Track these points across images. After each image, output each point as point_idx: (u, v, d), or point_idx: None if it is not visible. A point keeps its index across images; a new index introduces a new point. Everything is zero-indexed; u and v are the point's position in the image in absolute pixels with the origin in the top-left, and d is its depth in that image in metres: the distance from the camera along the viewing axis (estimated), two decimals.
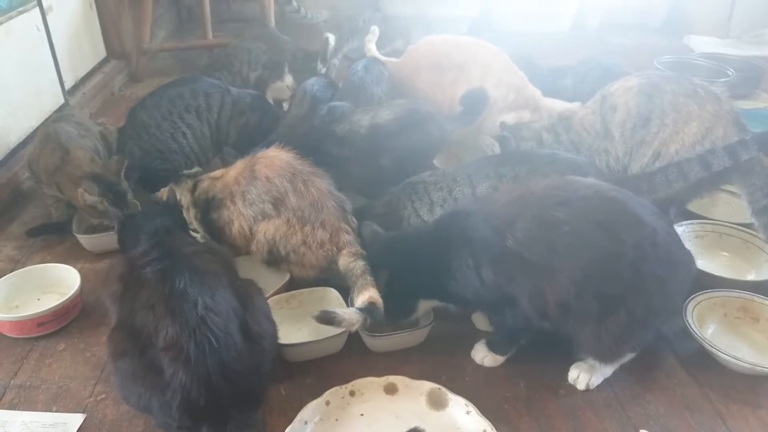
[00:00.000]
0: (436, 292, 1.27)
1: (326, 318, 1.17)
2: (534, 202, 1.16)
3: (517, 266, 1.15)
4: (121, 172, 1.68)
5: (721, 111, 1.48)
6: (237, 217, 1.44)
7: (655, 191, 1.39)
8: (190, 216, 1.54)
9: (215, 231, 1.51)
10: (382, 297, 1.23)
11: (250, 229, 1.43)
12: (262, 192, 1.40)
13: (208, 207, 1.50)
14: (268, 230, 1.40)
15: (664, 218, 1.20)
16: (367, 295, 1.23)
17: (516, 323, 1.22)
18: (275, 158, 1.44)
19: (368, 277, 1.27)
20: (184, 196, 1.54)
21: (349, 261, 1.33)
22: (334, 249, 1.37)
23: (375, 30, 2.33)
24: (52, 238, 1.74)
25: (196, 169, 1.67)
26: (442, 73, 2.00)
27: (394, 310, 1.29)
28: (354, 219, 1.44)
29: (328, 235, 1.37)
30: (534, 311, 1.17)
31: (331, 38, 2.42)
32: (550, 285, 1.13)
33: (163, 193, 1.61)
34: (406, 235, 1.39)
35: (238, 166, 1.48)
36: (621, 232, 1.11)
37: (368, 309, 1.20)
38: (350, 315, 1.19)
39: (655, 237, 1.13)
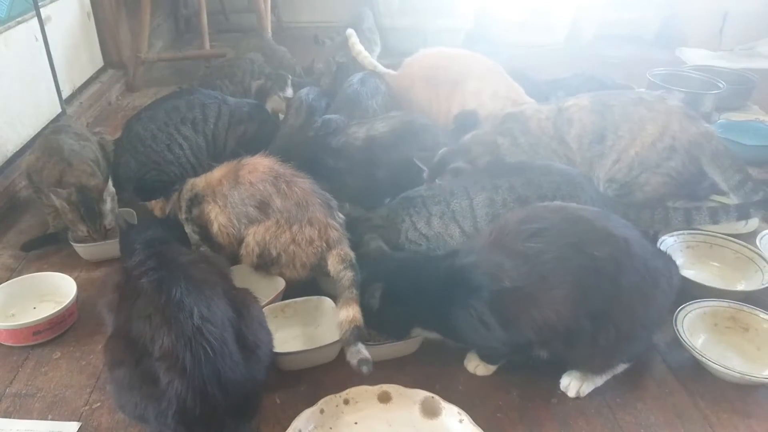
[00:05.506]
0: (435, 326, 1.27)
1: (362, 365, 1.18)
2: (510, 240, 1.18)
3: (520, 302, 1.15)
4: (102, 192, 1.65)
5: (670, 108, 1.57)
6: (216, 217, 1.46)
7: (639, 225, 1.42)
8: (181, 217, 1.56)
9: (201, 229, 1.52)
10: (378, 312, 1.24)
11: (236, 230, 1.44)
12: (245, 196, 1.43)
13: (191, 205, 1.52)
14: (258, 232, 1.42)
15: (634, 229, 1.23)
16: (351, 313, 1.24)
17: (516, 354, 1.25)
18: (258, 164, 1.46)
19: (354, 291, 1.28)
20: (172, 205, 1.57)
21: (339, 268, 1.34)
22: (324, 245, 1.38)
23: (351, 32, 2.36)
24: (48, 247, 1.74)
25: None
26: (437, 86, 2.02)
27: (389, 330, 1.31)
28: (340, 215, 1.45)
29: (317, 232, 1.39)
30: (539, 342, 1.19)
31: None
32: (551, 312, 1.13)
33: (154, 204, 1.63)
34: (412, 262, 1.35)
35: (224, 168, 1.51)
36: (593, 249, 1.13)
37: (358, 335, 1.22)
38: (366, 349, 1.21)
39: (628, 248, 1.14)
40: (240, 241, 1.45)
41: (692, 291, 1.42)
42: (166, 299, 1.05)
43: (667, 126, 1.54)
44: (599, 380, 1.25)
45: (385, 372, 1.26)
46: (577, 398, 1.23)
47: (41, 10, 2.28)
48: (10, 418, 1.20)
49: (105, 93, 2.81)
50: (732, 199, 1.53)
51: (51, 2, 2.39)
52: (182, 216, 1.54)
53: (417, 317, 1.27)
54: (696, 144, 1.52)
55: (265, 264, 1.44)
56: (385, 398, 1.19)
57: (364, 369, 1.17)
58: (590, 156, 1.61)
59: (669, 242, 1.60)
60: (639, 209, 1.47)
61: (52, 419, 1.20)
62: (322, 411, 1.16)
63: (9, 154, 2.04)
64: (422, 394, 1.19)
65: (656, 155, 1.54)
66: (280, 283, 1.44)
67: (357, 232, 1.47)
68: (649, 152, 1.54)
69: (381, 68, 2.24)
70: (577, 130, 1.62)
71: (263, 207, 1.42)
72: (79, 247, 1.68)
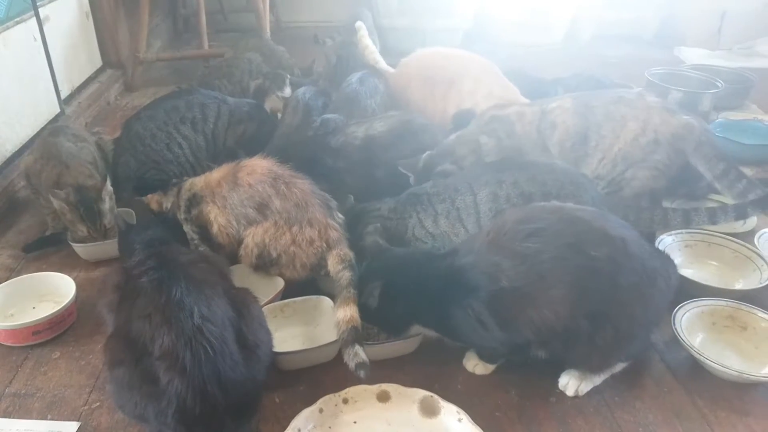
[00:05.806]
0: (433, 324, 1.27)
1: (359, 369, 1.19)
2: (507, 240, 1.17)
3: (517, 302, 1.15)
4: (101, 191, 1.66)
5: (650, 103, 1.60)
6: (215, 218, 1.47)
7: (638, 226, 1.43)
8: (180, 217, 1.56)
9: (200, 229, 1.53)
10: (376, 310, 1.24)
11: (235, 231, 1.45)
12: (244, 198, 1.43)
13: (190, 205, 1.53)
14: (256, 233, 1.42)
15: (631, 229, 1.23)
16: (349, 313, 1.24)
17: (515, 353, 1.25)
18: (256, 166, 1.47)
19: (352, 290, 1.28)
20: (169, 201, 1.57)
21: (338, 268, 1.35)
22: (324, 245, 1.39)
23: (360, 25, 2.36)
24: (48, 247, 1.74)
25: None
26: (433, 86, 2.02)
27: (387, 327, 1.31)
28: (340, 215, 1.46)
29: (317, 233, 1.39)
30: (537, 342, 1.19)
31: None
32: (549, 312, 1.13)
33: (150, 198, 1.63)
34: (410, 259, 1.34)
35: (223, 170, 1.51)
36: (590, 249, 1.13)
37: (355, 336, 1.23)
38: (364, 352, 1.21)
39: (626, 248, 1.14)
40: (240, 241, 1.46)
41: (690, 290, 1.42)
42: (166, 299, 1.05)
43: (649, 121, 1.56)
44: (597, 379, 1.25)
45: (384, 371, 1.26)
46: (576, 397, 1.24)
47: (40, 10, 2.28)
48: (9, 418, 1.20)
49: (104, 93, 2.80)
50: (719, 189, 1.54)
51: (49, 2, 2.39)
52: (181, 216, 1.54)
53: (415, 315, 1.27)
54: (679, 136, 1.54)
55: (264, 264, 1.44)
56: (384, 397, 1.19)
57: (362, 373, 1.18)
58: (574, 157, 1.62)
59: (667, 241, 1.60)
60: (638, 210, 1.48)
61: (51, 419, 1.20)
62: (321, 410, 1.16)
63: (8, 155, 2.04)
64: (421, 393, 1.19)
65: (640, 150, 1.55)
66: (280, 283, 1.44)
67: (363, 221, 1.47)
68: (632, 147, 1.55)
69: (383, 65, 2.25)
70: (560, 133, 1.63)
71: (262, 208, 1.42)
72: (78, 247, 1.68)
